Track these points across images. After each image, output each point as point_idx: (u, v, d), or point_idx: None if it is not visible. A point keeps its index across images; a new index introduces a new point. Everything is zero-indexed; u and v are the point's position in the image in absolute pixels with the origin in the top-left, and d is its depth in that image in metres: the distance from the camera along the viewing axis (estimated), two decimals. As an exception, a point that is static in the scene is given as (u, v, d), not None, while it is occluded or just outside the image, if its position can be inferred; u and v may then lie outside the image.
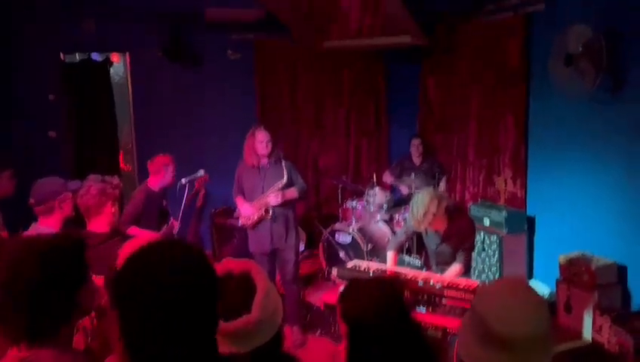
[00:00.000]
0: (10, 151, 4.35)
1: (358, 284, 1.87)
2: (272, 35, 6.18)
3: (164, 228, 4.34)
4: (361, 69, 6.79)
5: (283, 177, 4.41)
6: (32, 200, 2.81)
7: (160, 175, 4.46)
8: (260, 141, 4.37)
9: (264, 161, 4.47)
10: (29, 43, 5.19)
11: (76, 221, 2.89)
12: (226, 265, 1.41)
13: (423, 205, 3.45)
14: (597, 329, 3.55)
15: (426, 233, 3.80)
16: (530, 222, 4.99)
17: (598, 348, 3.42)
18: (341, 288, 1.96)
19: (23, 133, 5.15)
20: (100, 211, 2.80)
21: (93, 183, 2.82)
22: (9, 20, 5.09)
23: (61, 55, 5.53)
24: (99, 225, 2.75)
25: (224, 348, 1.25)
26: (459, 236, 3.67)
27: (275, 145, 4.49)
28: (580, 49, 3.95)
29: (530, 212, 5.03)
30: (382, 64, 6.86)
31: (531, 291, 1.38)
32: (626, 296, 3.93)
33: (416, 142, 6.16)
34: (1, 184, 3.77)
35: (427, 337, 1.95)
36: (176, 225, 4.40)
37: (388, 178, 6.26)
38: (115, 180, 2.89)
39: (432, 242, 3.82)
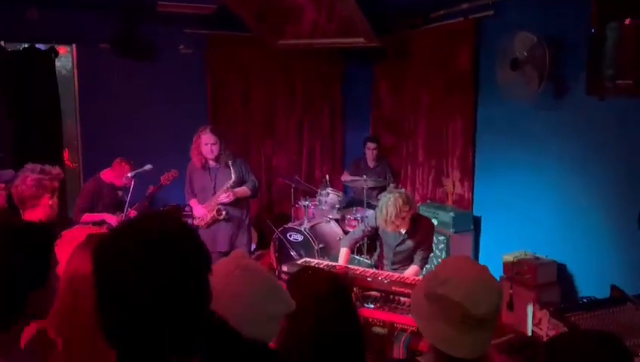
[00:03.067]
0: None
1: (307, 271, 1.86)
2: (226, 31, 6.11)
3: (119, 217, 4.31)
4: (316, 71, 6.82)
5: (231, 177, 4.40)
6: None
7: (116, 173, 4.58)
8: (205, 143, 4.37)
9: (213, 162, 4.46)
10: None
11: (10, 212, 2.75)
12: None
13: (395, 206, 3.54)
14: (536, 322, 3.67)
15: (384, 231, 3.86)
16: (477, 222, 5.13)
17: (537, 340, 3.53)
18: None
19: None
20: (36, 203, 2.67)
21: (30, 173, 2.69)
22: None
23: (2, 43, 5.26)
24: (35, 216, 2.62)
25: None
26: (420, 236, 3.80)
27: (224, 147, 4.47)
28: (525, 54, 4.09)
29: (476, 212, 5.17)
30: (337, 66, 6.90)
31: (485, 269, 1.47)
32: (565, 293, 4.10)
33: (371, 145, 6.23)
34: None
35: (365, 338, 1.93)
36: (132, 214, 4.31)
37: (346, 177, 6.31)
38: (55, 170, 2.76)
39: (391, 240, 3.89)
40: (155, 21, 5.59)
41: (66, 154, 6.06)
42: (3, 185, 2.78)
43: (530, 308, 3.88)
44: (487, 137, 5.06)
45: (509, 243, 4.54)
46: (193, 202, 4.60)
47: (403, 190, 3.83)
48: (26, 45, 5.40)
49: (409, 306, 3.25)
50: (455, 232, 4.94)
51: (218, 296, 1.15)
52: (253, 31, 5.69)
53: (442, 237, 5.02)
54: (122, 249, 0.97)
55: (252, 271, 1.27)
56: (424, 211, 5.26)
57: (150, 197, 4.81)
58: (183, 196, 4.80)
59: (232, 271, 1.23)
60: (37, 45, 5.44)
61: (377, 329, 3.34)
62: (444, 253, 4.98)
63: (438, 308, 1.40)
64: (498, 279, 4.31)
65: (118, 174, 4.57)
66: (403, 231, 3.78)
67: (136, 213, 4.43)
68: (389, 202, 3.57)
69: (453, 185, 5.37)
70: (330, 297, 1.74)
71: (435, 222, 5.07)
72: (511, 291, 4.19)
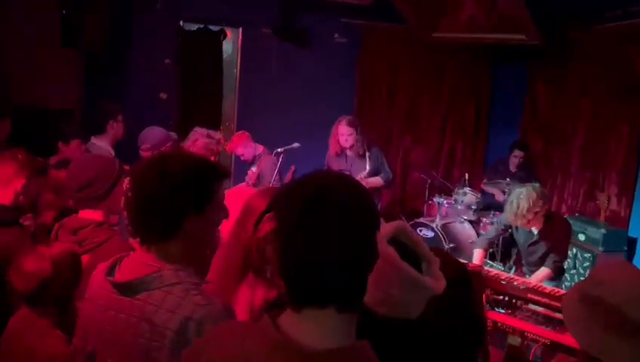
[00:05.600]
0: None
1: (438, 254, 1.81)
2: (380, 22, 6.19)
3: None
4: (466, 66, 6.63)
5: (366, 168, 4.48)
6: (146, 145, 3.03)
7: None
8: (341, 134, 4.54)
9: (349, 151, 4.60)
10: (152, 8, 5.55)
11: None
12: None
13: (526, 201, 3.39)
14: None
15: (517, 230, 3.70)
16: (632, 243, 4.65)
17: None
18: None
19: (138, 91, 5.55)
20: None
21: (199, 137, 3.01)
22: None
23: (180, 23, 5.86)
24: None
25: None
26: (554, 238, 3.58)
27: (359, 138, 4.58)
28: None
29: (632, 233, 4.69)
30: (488, 63, 6.65)
31: None
32: None
33: (519, 153, 5.83)
34: (117, 127, 4.10)
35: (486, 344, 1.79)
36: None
37: (486, 187, 6.07)
38: (218, 135, 3.06)
39: (523, 240, 3.74)
40: (314, 9, 5.85)
41: (220, 130, 6.61)
42: (171, 144, 3.13)
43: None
44: (657, 151, 4.56)
45: (670, 272, 4.05)
46: None
47: (537, 184, 3.61)
48: (200, 26, 5.96)
49: (544, 317, 3.07)
50: (604, 251, 4.52)
51: None
52: (409, 23, 5.70)
53: (588, 255, 4.63)
54: (308, 210, 1.03)
55: (384, 260, 1.25)
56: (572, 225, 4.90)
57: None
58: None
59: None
60: (209, 27, 5.98)
61: (512, 340, 3.20)
62: (588, 271, 4.59)
63: (594, 312, 1.30)
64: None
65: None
66: (535, 230, 3.58)
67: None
68: (522, 195, 3.40)
69: (608, 200, 4.91)
70: (454, 285, 1.63)
71: (582, 237, 4.72)
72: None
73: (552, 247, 3.58)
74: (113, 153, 4.11)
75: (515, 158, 5.89)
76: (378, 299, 1.20)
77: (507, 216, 3.57)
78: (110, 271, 1.39)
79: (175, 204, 1.33)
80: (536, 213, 3.41)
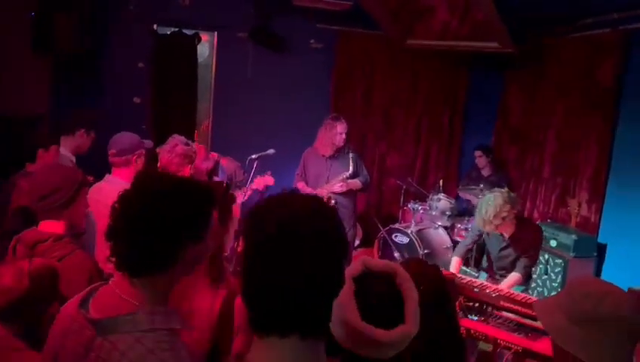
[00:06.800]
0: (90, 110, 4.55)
1: (413, 260, 1.81)
2: (356, 28, 6.21)
3: None
4: (441, 73, 6.69)
5: (349, 169, 4.47)
6: (113, 151, 2.96)
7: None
8: (340, 133, 4.50)
9: (333, 152, 4.57)
10: (126, 11, 5.46)
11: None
12: (366, 263, 1.27)
13: (493, 206, 3.42)
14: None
15: (488, 235, 3.73)
16: (601, 248, 4.73)
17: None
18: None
19: (111, 95, 5.45)
20: (180, 170, 2.95)
21: (179, 142, 2.96)
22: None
23: (154, 26, 5.78)
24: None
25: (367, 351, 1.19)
26: (524, 243, 3.61)
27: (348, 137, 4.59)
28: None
29: (602, 238, 4.77)
30: (463, 70, 6.72)
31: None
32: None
33: (478, 153, 5.99)
34: (86, 139, 3.94)
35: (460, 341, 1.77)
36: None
37: (462, 193, 6.14)
38: (196, 145, 3.03)
39: (494, 244, 3.76)
40: (290, 14, 5.82)
41: (195, 135, 6.53)
42: (144, 152, 3.06)
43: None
44: (625, 158, 4.64)
45: (638, 276, 4.13)
46: (301, 185, 4.71)
47: (506, 189, 3.66)
48: (175, 29, 5.88)
49: (516, 324, 3.10)
50: (575, 256, 4.59)
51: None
52: (384, 29, 5.72)
53: (559, 260, 4.69)
54: (267, 230, 1.01)
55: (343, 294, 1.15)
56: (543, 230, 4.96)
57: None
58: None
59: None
60: (183, 30, 5.90)
61: (483, 346, 3.22)
62: (560, 276, 4.65)
63: (604, 328, 1.28)
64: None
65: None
66: (506, 235, 3.61)
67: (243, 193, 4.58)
68: (490, 201, 3.44)
69: (579, 207, 4.98)
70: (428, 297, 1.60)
71: (553, 243, 4.78)
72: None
73: (523, 252, 3.61)
74: (74, 160, 3.96)
75: (478, 159, 5.99)
76: (348, 334, 1.16)
77: (478, 222, 3.59)
78: (84, 302, 1.26)
79: (178, 228, 1.24)
80: (503, 218, 3.43)
